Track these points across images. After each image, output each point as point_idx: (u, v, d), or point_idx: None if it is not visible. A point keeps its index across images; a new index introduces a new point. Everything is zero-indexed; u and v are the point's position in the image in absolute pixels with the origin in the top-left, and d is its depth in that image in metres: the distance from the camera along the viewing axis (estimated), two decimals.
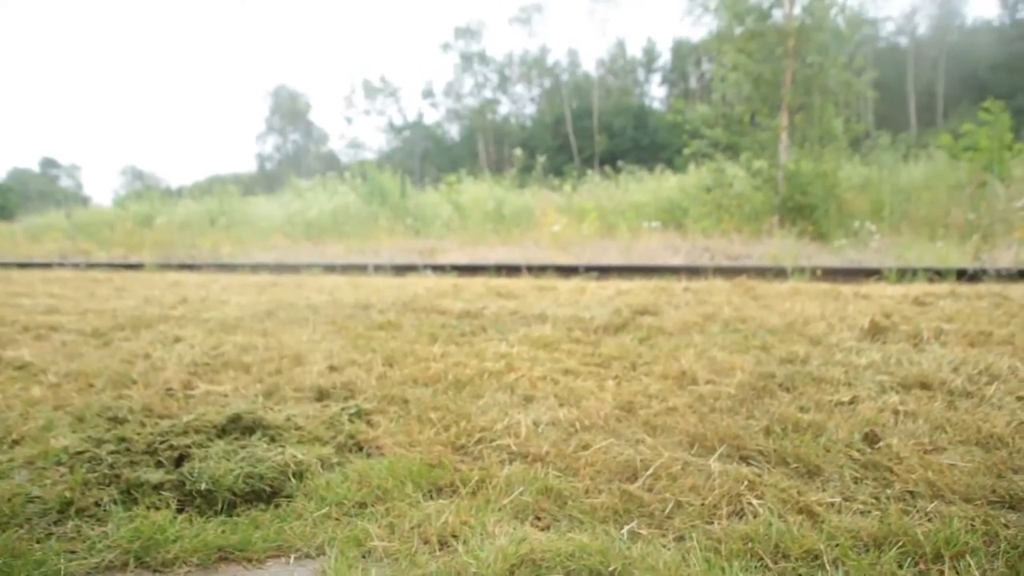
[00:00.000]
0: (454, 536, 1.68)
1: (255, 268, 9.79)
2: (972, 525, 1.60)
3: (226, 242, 14.36)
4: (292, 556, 1.67)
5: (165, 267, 10.37)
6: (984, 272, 6.16)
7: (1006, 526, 1.59)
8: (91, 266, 11.03)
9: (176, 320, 4.55)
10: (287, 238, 14.89)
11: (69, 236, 17.53)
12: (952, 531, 1.56)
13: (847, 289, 5.14)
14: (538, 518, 1.78)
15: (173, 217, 17.75)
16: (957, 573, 1.42)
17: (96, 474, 2.01)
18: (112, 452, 2.12)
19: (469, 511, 1.78)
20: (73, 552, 1.68)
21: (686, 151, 13.42)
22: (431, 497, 1.90)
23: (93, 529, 1.77)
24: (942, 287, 5.23)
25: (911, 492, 1.80)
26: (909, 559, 1.50)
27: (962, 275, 6.12)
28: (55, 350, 3.65)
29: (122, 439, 2.19)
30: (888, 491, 1.82)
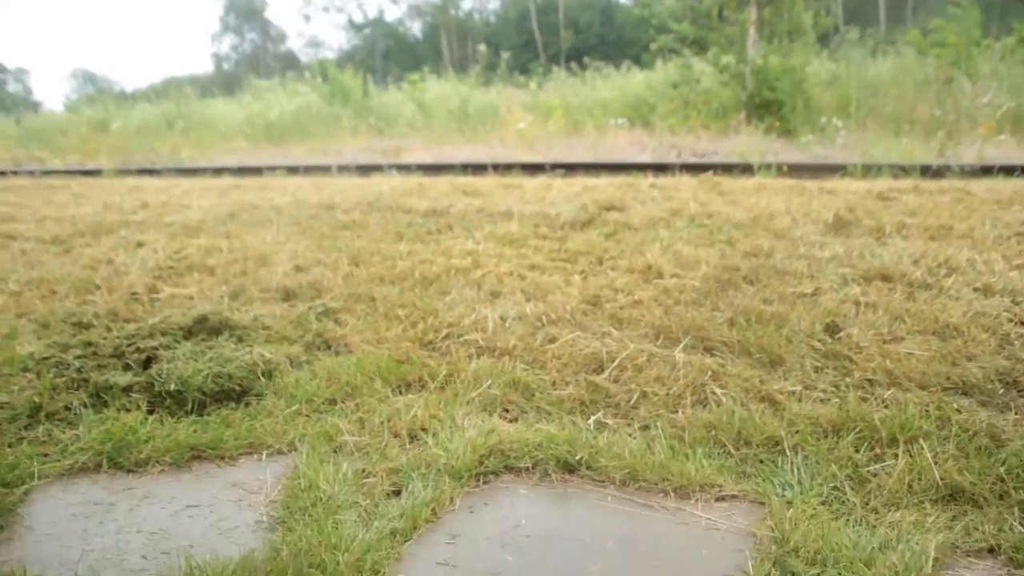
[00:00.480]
0: (423, 429, 1.70)
1: (217, 172, 9.62)
2: (926, 411, 1.65)
3: (185, 146, 14.04)
4: (264, 452, 1.69)
5: (124, 172, 10.14)
6: (948, 168, 6.20)
7: (958, 411, 1.64)
8: (46, 173, 10.77)
9: (137, 225, 4.48)
10: (248, 141, 14.60)
11: (20, 143, 17.05)
12: (907, 417, 1.61)
13: (812, 185, 5.17)
14: (506, 410, 1.81)
15: (129, 121, 17.27)
16: (911, 456, 1.47)
17: (64, 379, 2.00)
18: (79, 357, 2.11)
19: (438, 405, 1.81)
20: (46, 455, 1.68)
21: (653, 47, 13.21)
22: (400, 392, 1.93)
23: (64, 432, 1.77)
24: (906, 183, 5.27)
25: (869, 380, 1.85)
26: (866, 444, 1.55)
27: (926, 171, 6.16)
28: (14, 258, 3.59)
29: (88, 344, 2.18)
30: (847, 379, 1.86)
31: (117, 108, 19.53)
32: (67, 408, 1.88)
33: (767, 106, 10.94)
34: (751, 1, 11.77)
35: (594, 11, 46.85)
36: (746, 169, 6.77)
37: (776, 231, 3.41)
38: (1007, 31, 12.07)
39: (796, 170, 6.71)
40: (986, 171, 6.02)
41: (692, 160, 7.72)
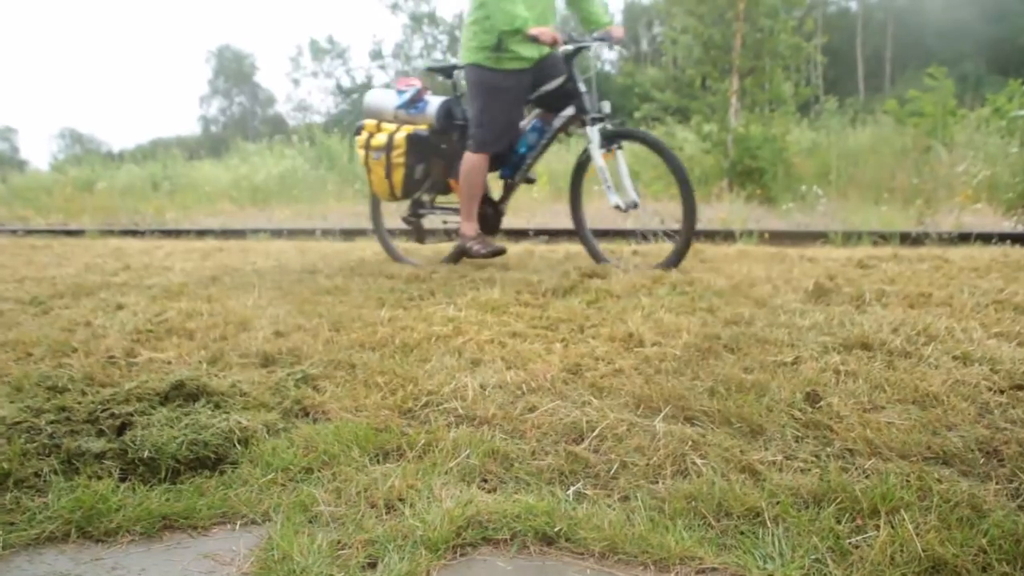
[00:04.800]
0: (400, 499, 1.68)
1: (200, 234, 9.63)
2: (907, 481, 1.64)
3: (170, 207, 14.08)
4: (238, 523, 1.66)
5: (107, 233, 10.13)
6: (927, 235, 6.29)
7: (939, 481, 1.63)
8: (29, 232, 10.75)
9: (118, 287, 4.46)
10: (233, 203, 14.65)
11: (5, 202, 17.06)
12: (888, 487, 1.60)
13: (793, 252, 5.21)
14: (485, 480, 1.78)
15: (115, 182, 17.30)
16: (892, 527, 1.46)
17: (35, 444, 1.96)
18: (52, 422, 2.07)
19: (416, 474, 1.78)
20: (12, 524, 1.64)
21: (636, 114, 13.42)
22: (378, 461, 1.90)
23: (33, 500, 1.73)
24: (885, 250, 5.32)
25: (850, 450, 1.84)
26: (847, 515, 1.53)
27: (905, 238, 6.24)
28: None
29: (62, 408, 2.15)
30: (828, 449, 1.85)
31: (103, 168, 19.60)
32: (37, 475, 1.84)
33: (749, 174, 11.10)
34: (733, 71, 12.01)
35: None
36: (728, 236, 6.84)
37: (757, 299, 3.43)
38: (981, 102, 12.34)
39: (777, 237, 6.78)
40: (964, 238, 6.11)
41: (674, 227, 7.77)
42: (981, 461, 1.76)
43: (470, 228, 4.87)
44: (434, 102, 4.87)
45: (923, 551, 1.38)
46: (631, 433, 1.96)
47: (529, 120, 4.87)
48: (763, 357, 2.53)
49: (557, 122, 4.71)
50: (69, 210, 14.87)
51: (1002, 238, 5.97)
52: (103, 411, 2.12)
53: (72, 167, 20.67)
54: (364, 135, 4.96)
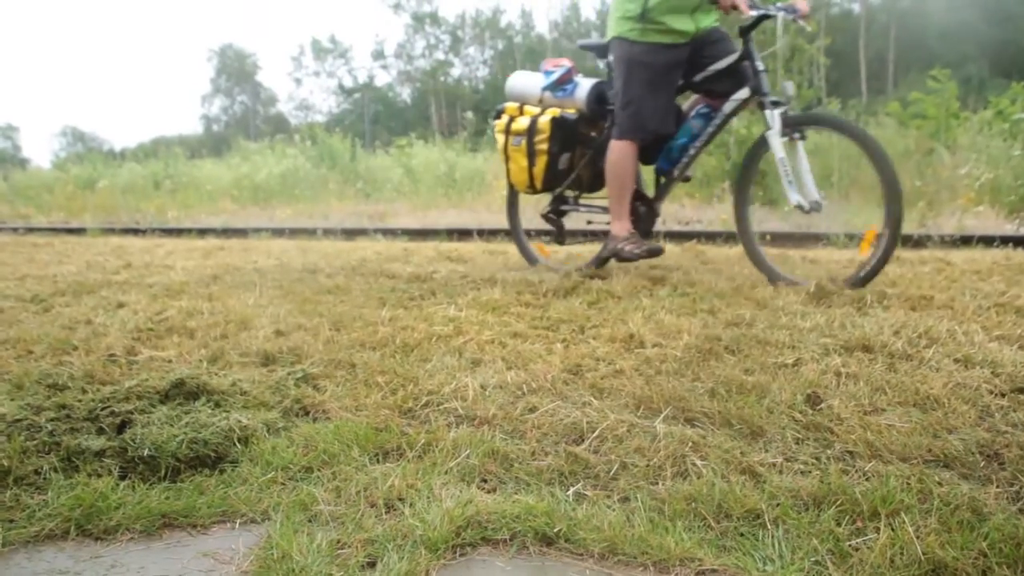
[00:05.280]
0: (400, 499, 1.68)
1: (202, 232, 9.63)
2: (908, 483, 1.64)
3: (172, 206, 14.08)
4: (237, 521, 1.66)
5: (108, 231, 10.14)
6: (929, 238, 6.27)
7: (939, 484, 1.63)
8: (30, 230, 10.76)
9: (119, 285, 4.46)
10: (234, 202, 14.65)
11: (7, 200, 17.08)
12: (888, 489, 1.59)
13: (795, 253, 5.21)
14: (484, 480, 1.78)
15: (116, 180, 17.31)
16: (892, 530, 1.46)
17: (35, 442, 1.96)
18: (52, 419, 2.07)
19: (416, 474, 1.78)
20: (12, 521, 1.64)
21: None
22: (378, 461, 1.90)
23: (32, 497, 1.74)
24: None
25: (850, 452, 1.84)
26: (847, 517, 1.53)
27: (907, 241, 6.22)
28: None
29: (62, 406, 2.15)
30: (828, 451, 1.85)
31: (105, 167, 19.59)
32: (37, 472, 1.84)
33: None
34: None
35: None
36: (729, 238, 6.82)
37: (758, 300, 3.43)
38: (984, 104, 12.31)
39: (779, 239, 6.77)
40: (965, 241, 6.11)
41: (676, 228, 7.78)
42: (982, 464, 1.76)
43: (622, 227, 4.29)
44: (584, 84, 4.33)
45: (923, 554, 1.38)
46: (631, 434, 1.96)
47: (692, 105, 4.29)
48: (764, 359, 2.53)
49: (728, 107, 4.05)
50: (70, 208, 14.88)
51: (1004, 241, 5.96)
52: (103, 409, 2.12)
53: (74, 165, 20.68)
54: (504, 119, 4.52)
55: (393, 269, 4.82)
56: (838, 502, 1.57)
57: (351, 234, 8.69)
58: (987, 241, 6.01)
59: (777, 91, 4.03)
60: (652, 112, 4.03)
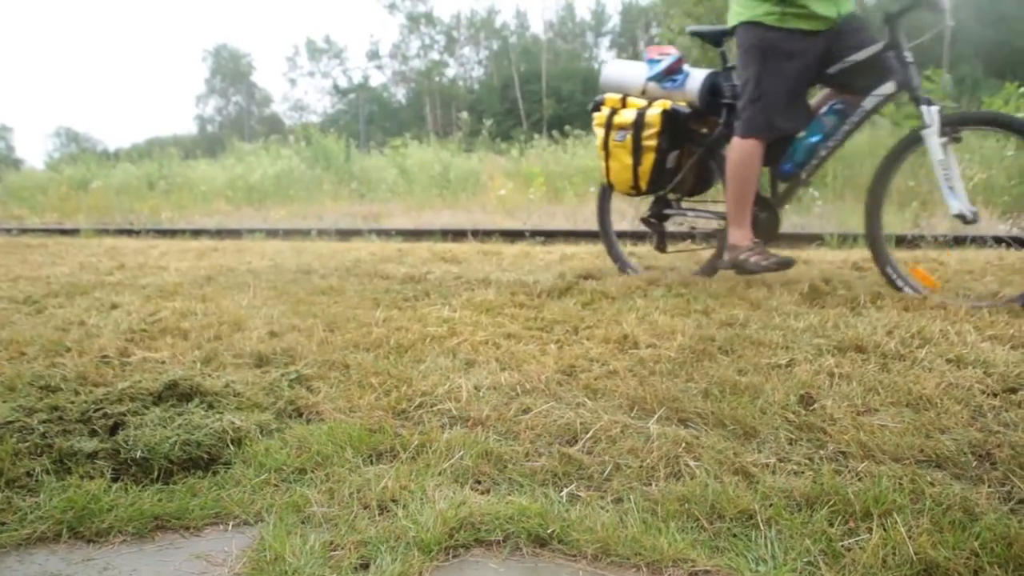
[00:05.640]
0: (393, 500, 1.67)
1: (195, 233, 9.63)
2: (900, 484, 1.64)
3: (166, 207, 14.06)
4: (230, 523, 1.65)
5: (102, 232, 10.12)
6: (922, 238, 6.28)
7: (931, 484, 1.64)
8: (24, 231, 10.73)
9: (113, 286, 4.45)
10: (229, 203, 14.64)
11: (0, 200, 17.02)
12: (881, 490, 1.60)
13: (789, 254, 5.20)
14: (478, 482, 1.78)
15: (110, 181, 17.28)
16: (885, 530, 1.46)
17: (27, 444, 1.96)
18: (44, 421, 2.07)
19: (409, 475, 1.78)
20: (3, 523, 1.64)
21: None
22: (371, 462, 1.90)
23: (24, 500, 1.73)
24: None
25: (843, 452, 1.84)
26: (840, 517, 1.53)
27: (901, 241, 6.23)
28: None
29: (55, 408, 2.14)
30: (821, 452, 1.85)
31: (98, 167, 19.54)
32: (29, 474, 1.83)
33: None
34: None
35: (576, 80, 47.78)
36: None
37: (752, 301, 3.43)
38: (978, 105, 12.33)
39: (773, 239, 6.76)
40: (959, 241, 6.12)
41: (671, 229, 7.77)
42: (974, 464, 1.76)
43: (743, 236, 3.87)
44: (697, 75, 3.90)
45: (915, 554, 1.38)
46: (625, 435, 1.96)
47: (824, 100, 3.85)
48: (757, 359, 2.53)
49: (869, 102, 3.59)
50: (64, 209, 14.85)
51: (997, 241, 5.97)
52: (96, 411, 2.12)
53: (67, 166, 20.61)
54: (605, 111, 4.08)
55: (387, 270, 4.82)
56: (831, 502, 1.58)
57: (345, 235, 8.69)
58: (980, 241, 6.03)
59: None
60: (784, 108, 3.63)
